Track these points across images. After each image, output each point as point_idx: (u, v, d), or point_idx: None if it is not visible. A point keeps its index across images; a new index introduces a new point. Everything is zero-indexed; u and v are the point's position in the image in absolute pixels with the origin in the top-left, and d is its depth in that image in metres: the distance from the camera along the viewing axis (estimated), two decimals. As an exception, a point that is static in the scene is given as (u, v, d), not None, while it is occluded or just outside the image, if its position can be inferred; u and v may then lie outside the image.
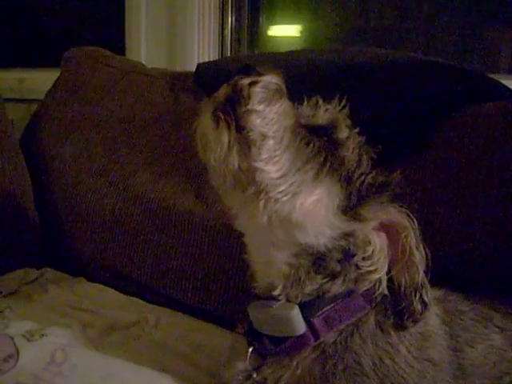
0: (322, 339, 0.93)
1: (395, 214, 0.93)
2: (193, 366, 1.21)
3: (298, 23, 2.38)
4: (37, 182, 1.80)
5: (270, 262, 0.95)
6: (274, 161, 0.87)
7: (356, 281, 0.94)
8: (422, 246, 0.92)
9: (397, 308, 0.93)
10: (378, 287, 0.93)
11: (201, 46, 2.18)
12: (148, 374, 1.13)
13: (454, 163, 1.27)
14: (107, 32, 2.47)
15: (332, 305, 0.94)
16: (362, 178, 0.93)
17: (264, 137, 0.87)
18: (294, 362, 0.94)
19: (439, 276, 0.94)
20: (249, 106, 0.86)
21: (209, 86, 1.71)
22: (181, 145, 1.64)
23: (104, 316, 1.40)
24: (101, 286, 1.62)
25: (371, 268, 0.92)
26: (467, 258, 1.21)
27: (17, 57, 2.51)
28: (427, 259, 0.92)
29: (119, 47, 2.27)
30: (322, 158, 0.91)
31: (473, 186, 1.23)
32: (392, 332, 0.94)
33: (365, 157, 0.96)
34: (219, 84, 1.77)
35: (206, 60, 2.14)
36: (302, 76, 1.57)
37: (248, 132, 0.86)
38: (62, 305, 1.45)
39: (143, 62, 2.08)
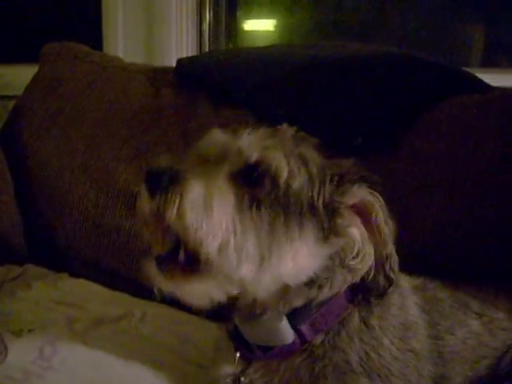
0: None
1: (363, 195, 0.92)
2: (181, 358, 1.23)
3: (274, 18, 2.40)
4: (17, 178, 1.79)
5: (258, 298, 0.94)
6: (243, 260, 0.86)
7: (344, 281, 0.94)
8: (389, 220, 0.92)
9: (365, 285, 0.94)
10: (367, 277, 0.93)
11: (179, 41, 2.19)
12: (138, 366, 1.15)
13: (432, 152, 1.32)
14: (84, 27, 2.45)
15: (317, 309, 0.94)
16: (323, 195, 0.91)
17: (221, 249, 0.84)
18: (282, 366, 0.96)
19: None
20: (189, 232, 0.83)
21: (189, 82, 1.73)
22: (162, 140, 1.65)
23: (90, 310, 1.40)
24: (84, 281, 1.62)
25: (360, 265, 0.92)
26: (447, 243, 1.26)
27: (-8, 52, 2.46)
28: (394, 233, 0.92)
29: (96, 42, 2.25)
30: (282, 218, 0.88)
31: (450, 173, 1.28)
32: (376, 326, 0.96)
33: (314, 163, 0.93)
34: (199, 79, 1.78)
35: (184, 55, 2.15)
36: (280, 71, 1.60)
37: (199, 256, 0.84)
38: (47, 300, 1.45)
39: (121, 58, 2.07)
